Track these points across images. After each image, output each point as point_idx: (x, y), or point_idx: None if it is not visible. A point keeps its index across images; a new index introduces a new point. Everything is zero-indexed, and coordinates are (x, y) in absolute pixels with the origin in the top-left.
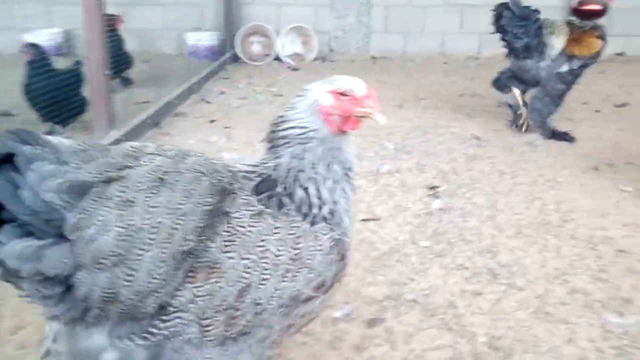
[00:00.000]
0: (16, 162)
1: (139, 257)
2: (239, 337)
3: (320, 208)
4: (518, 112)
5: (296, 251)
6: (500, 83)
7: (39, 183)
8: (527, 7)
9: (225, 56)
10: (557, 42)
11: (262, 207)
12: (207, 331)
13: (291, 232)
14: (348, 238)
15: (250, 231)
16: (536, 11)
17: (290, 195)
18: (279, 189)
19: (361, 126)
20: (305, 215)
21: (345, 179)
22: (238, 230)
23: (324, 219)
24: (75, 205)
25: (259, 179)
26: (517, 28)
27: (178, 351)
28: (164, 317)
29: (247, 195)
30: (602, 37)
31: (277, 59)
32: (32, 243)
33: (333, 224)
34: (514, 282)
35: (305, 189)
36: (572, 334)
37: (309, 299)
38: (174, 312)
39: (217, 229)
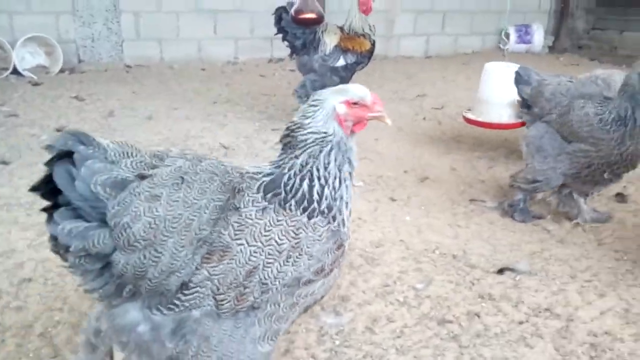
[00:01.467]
0: (74, 158)
1: (163, 242)
2: (249, 311)
3: (318, 203)
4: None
5: (296, 240)
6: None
7: (90, 177)
8: None
9: None
10: (329, 39)
11: (266, 203)
12: (222, 305)
13: (292, 224)
14: (345, 228)
15: (257, 223)
16: None
17: (294, 192)
18: (283, 187)
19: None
20: (304, 210)
21: (349, 177)
22: (246, 222)
23: (322, 213)
24: (115, 197)
25: (265, 179)
26: (296, 28)
27: (199, 322)
28: (185, 292)
29: (253, 193)
30: (370, 40)
31: (17, 72)
32: (80, 224)
33: (330, 217)
34: None
35: (311, 186)
36: (289, 344)
37: (309, 281)
38: (193, 287)
39: (229, 221)
